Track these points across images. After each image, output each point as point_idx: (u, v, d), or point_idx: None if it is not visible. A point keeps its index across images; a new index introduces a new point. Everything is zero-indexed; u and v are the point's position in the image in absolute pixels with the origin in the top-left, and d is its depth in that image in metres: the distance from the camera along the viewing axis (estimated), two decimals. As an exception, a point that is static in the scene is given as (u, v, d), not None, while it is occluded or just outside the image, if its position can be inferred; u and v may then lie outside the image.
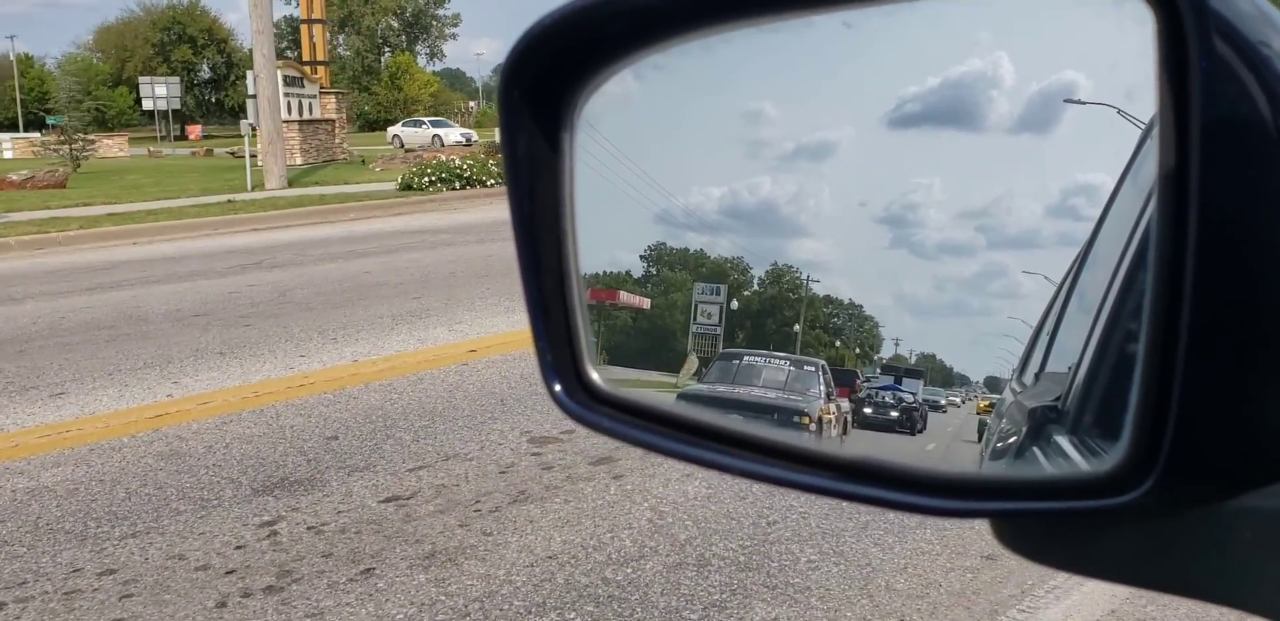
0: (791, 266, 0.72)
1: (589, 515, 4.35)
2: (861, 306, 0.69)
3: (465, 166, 21.89)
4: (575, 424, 0.75)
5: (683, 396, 0.79)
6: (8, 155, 49.42)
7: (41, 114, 79.36)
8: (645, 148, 0.76)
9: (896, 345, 0.69)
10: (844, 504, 4.49)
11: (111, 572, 3.89)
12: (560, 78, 0.69)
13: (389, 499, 4.58)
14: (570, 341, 0.74)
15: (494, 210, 18.68)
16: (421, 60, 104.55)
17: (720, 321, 0.79)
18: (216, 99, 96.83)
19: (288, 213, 18.29)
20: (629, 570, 3.85)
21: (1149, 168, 0.52)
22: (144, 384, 6.65)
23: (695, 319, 0.80)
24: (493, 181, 21.89)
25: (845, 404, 0.76)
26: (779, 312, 0.76)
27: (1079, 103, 0.56)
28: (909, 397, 0.73)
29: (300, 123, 31.49)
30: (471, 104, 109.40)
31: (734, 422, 0.76)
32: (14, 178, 25.28)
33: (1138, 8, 0.50)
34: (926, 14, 0.62)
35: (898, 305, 0.67)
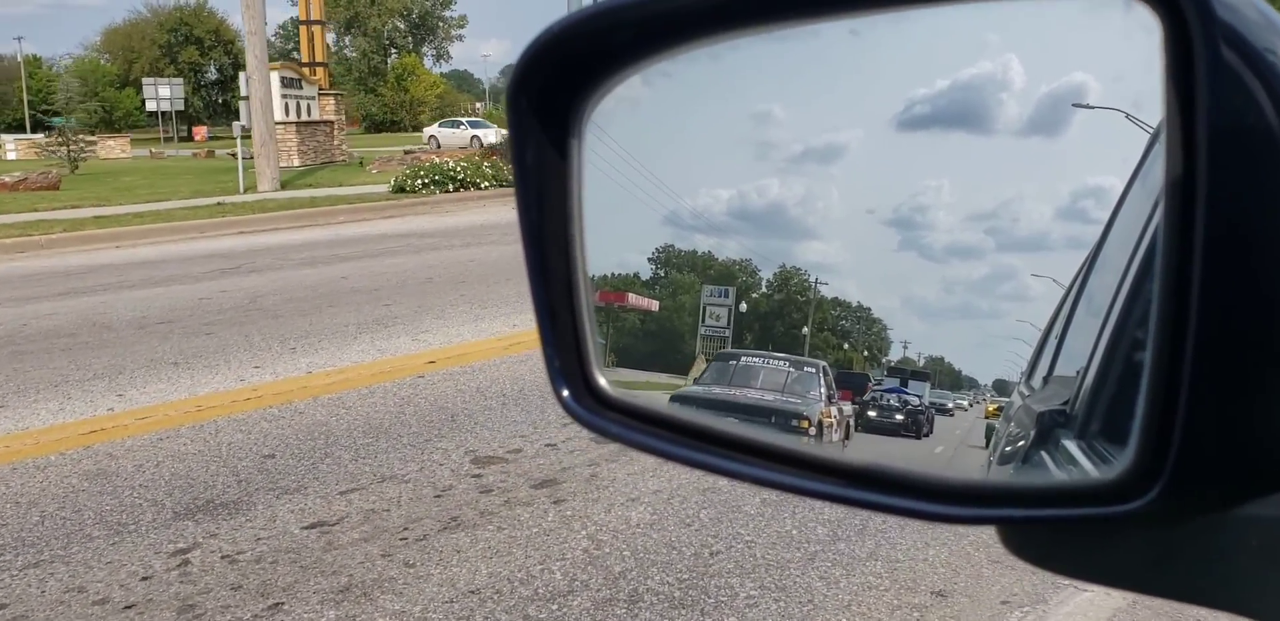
0: (800, 269, 0.71)
1: (521, 544, 4.09)
2: (870, 309, 0.69)
3: (459, 169, 21.65)
4: (583, 429, 0.74)
5: (676, 398, 0.78)
6: (11, 156, 49.37)
7: (40, 116, 79.42)
8: (653, 151, 0.75)
9: (905, 348, 0.68)
10: (792, 532, 4.26)
11: (2, 607, 3.65)
12: (569, 85, 0.69)
13: (313, 524, 4.33)
14: (578, 347, 0.74)
15: (485, 213, 18.48)
16: (428, 62, 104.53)
17: (729, 323, 0.78)
18: (223, 100, 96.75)
19: (276, 215, 18.09)
20: (554, 607, 3.59)
21: (1157, 171, 0.51)
22: (88, 396, 6.41)
23: (704, 321, 0.79)
24: (487, 184, 21.67)
25: (848, 407, 0.74)
26: (787, 315, 0.75)
27: (1087, 107, 0.55)
28: (915, 401, 0.72)
29: (298, 124, 31.32)
30: (478, 105, 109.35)
31: (742, 428, 0.74)
32: (6, 179, 25.13)
33: (1145, 16, 0.50)
34: (932, 22, 0.61)
35: (906, 307, 0.66)
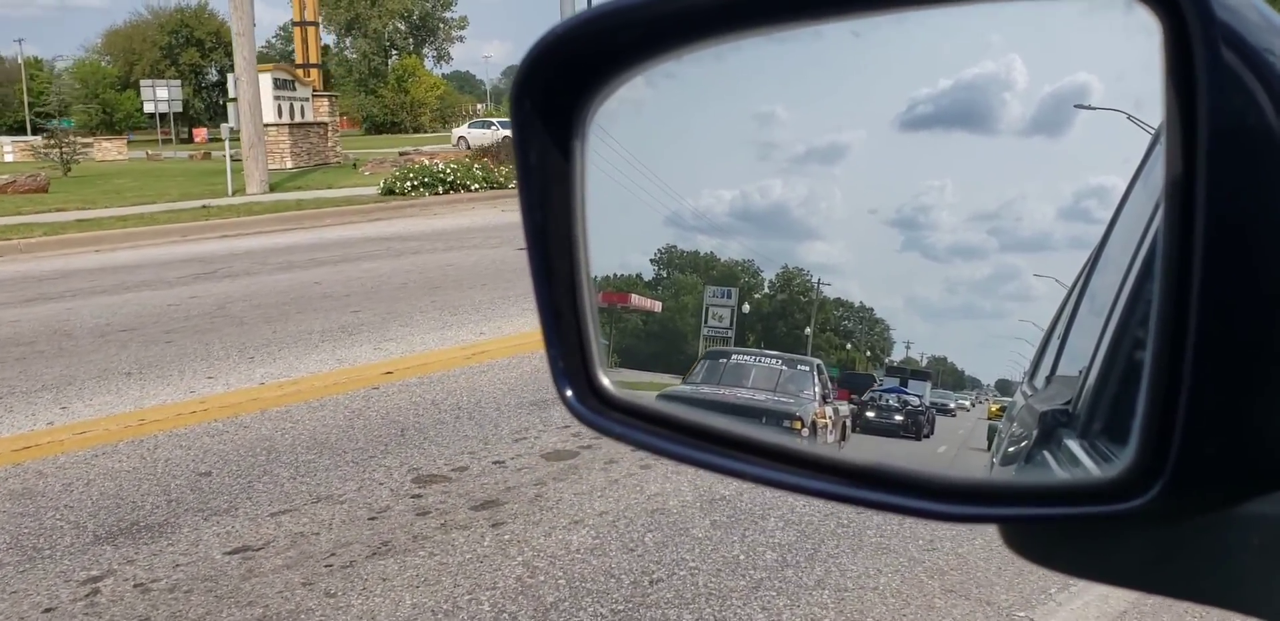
0: (802, 269, 0.71)
1: (452, 572, 3.87)
2: (873, 309, 0.68)
3: (449, 171, 21.42)
4: (587, 429, 0.74)
5: (663, 397, 0.78)
6: (9, 158, 49.21)
7: (34, 119, 79.27)
8: (656, 151, 0.75)
9: (908, 348, 0.67)
10: (740, 557, 4.04)
11: (-111, 643, 3.44)
12: (572, 87, 0.69)
13: (237, 549, 4.12)
14: (582, 348, 0.74)
15: (473, 215, 18.27)
16: (429, 63, 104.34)
17: (731, 324, 0.78)
18: (224, 102, 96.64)
19: (261, 218, 17.88)
20: (476, 642, 3.37)
21: (1159, 171, 0.51)
22: (31, 409, 6.20)
23: (706, 322, 0.79)
24: (477, 186, 21.45)
25: (845, 407, 0.73)
26: (790, 316, 0.74)
27: (1089, 108, 0.56)
28: (915, 401, 0.71)
29: (291, 126, 31.10)
30: (479, 107, 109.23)
31: (744, 428, 0.74)
32: (-5, 182, 24.93)
33: (1145, 17, 0.51)
34: (934, 23, 0.61)
35: (909, 308, 0.66)
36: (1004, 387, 0.68)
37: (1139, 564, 0.59)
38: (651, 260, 0.77)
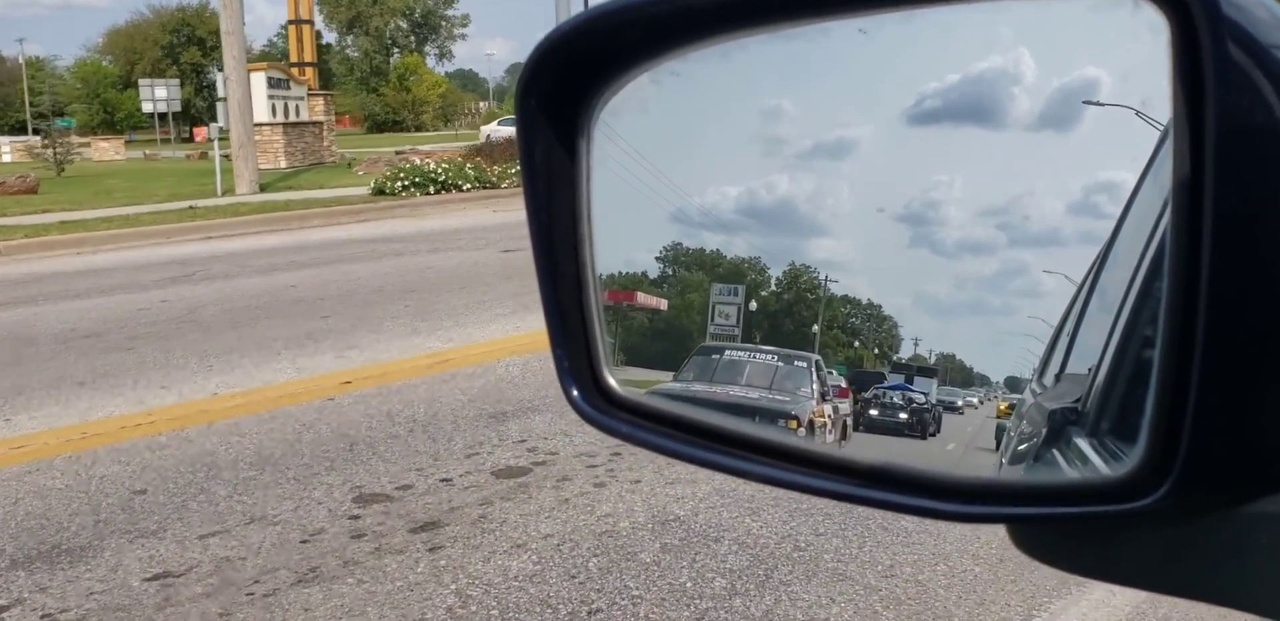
0: (809, 266, 0.70)
1: (379, 601, 3.65)
2: (880, 306, 0.68)
3: (440, 170, 21.19)
4: (593, 429, 0.73)
5: (651, 395, 0.76)
6: (6, 159, 49.04)
7: (30, 119, 79.11)
8: (661, 148, 0.75)
9: (916, 345, 0.67)
10: (686, 585, 3.81)
11: None
12: (577, 86, 0.69)
13: (158, 575, 3.90)
14: (588, 347, 0.73)
15: (463, 216, 18.05)
16: (431, 61, 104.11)
17: (738, 322, 0.76)
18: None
19: (247, 219, 17.67)
20: (393, 681, 3.15)
21: (1169, 167, 0.51)
22: (-27, 421, 5.99)
23: (713, 320, 0.77)
24: (469, 185, 21.21)
25: (845, 405, 0.72)
26: (797, 313, 0.73)
27: (1097, 104, 0.55)
28: (920, 398, 0.69)
29: (285, 125, 30.87)
30: (482, 105, 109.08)
31: (752, 427, 0.73)
32: (-17, 183, 24.75)
33: (1152, 15, 0.51)
34: (941, 19, 0.61)
35: (917, 304, 0.65)
36: (1013, 385, 0.67)
37: (1146, 563, 0.59)
38: (657, 258, 0.76)
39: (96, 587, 3.81)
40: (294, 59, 34.36)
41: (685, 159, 0.75)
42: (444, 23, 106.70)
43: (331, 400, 6.18)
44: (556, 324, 0.73)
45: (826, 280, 0.69)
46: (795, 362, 0.76)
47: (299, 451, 5.30)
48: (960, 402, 0.69)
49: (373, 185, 21.15)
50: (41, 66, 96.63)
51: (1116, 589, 3.56)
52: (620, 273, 0.77)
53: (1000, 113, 0.59)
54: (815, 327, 0.73)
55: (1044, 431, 0.68)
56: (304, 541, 4.18)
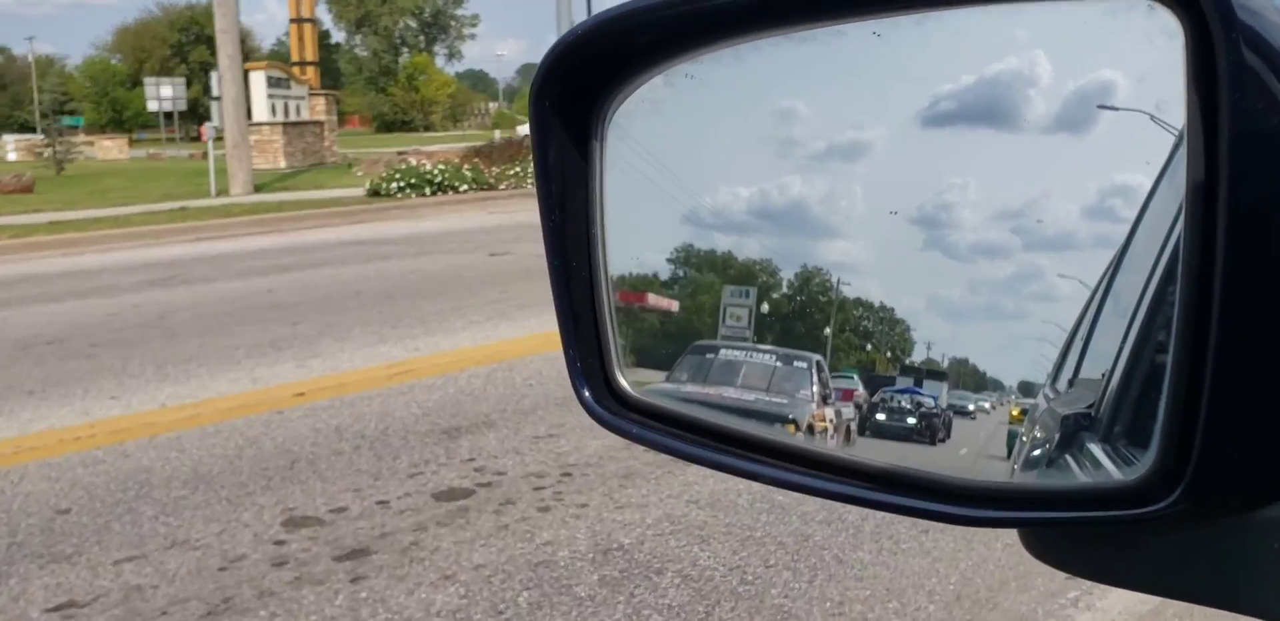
0: (821, 268, 0.69)
1: (289, 642, 3.41)
2: (893, 309, 0.67)
3: (436, 172, 20.98)
4: (604, 430, 0.73)
5: (662, 396, 0.75)
6: (11, 157, 49.04)
7: (33, 117, 79.24)
8: (674, 150, 0.75)
9: (929, 349, 0.66)
10: (630, 616, 3.57)
11: None
12: (591, 87, 0.70)
13: (61, 606, 3.65)
14: (600, 349, 0.74)
15: (459, 218, 17.84)
16: (440, 61, 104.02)
17: (750, 324, 0.74)
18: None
19: (238, 221, 17.47)
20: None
21: (1184, 172, 0.50)
22: (-94, 435, 5.76)
23: (724, 322, 0.75)
24: (466, 187, 21.00)
25: (849, 409, 0.69)
26: (809, 316, 0.72)
27: (1112, 109, 0.55)
28: (929, 402, 0.67)
29: (285, 125, 30.67)
30: (492, 105, 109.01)
31: (763, 430, 0.72)
32: (-21, 182, 24.62)
33: (1167, 19, 0.51)
34: (956, 22, 0.61)
35: (930, 308, 0.65)
36: (1026, 389, 0.64)
37: (1158, 568, 0.59)
38: (668, 259, 0.75)
39: (-10, 623, 3.58)
40: (295, 58, 34.19)
41: (698, 160, 0.75)
42: (453, 22, 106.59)
43: (280, 413, 5.93)
44: (569, 325, 0.74)
45: (839, 283, 0.68)
46: (795, 363, 0.73)
47: (237, 468, 5.05)
48: (972, 407, 0.67)
49: (369, 186, 20.96)
50: (51, 64, 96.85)
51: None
52: (632, 274, 0.77)
53: (1015, 115, 0.59)
54: (827, 330, 0.71)
55: (1057, 436, 0.66)
56: (222, 569, 3.93)
